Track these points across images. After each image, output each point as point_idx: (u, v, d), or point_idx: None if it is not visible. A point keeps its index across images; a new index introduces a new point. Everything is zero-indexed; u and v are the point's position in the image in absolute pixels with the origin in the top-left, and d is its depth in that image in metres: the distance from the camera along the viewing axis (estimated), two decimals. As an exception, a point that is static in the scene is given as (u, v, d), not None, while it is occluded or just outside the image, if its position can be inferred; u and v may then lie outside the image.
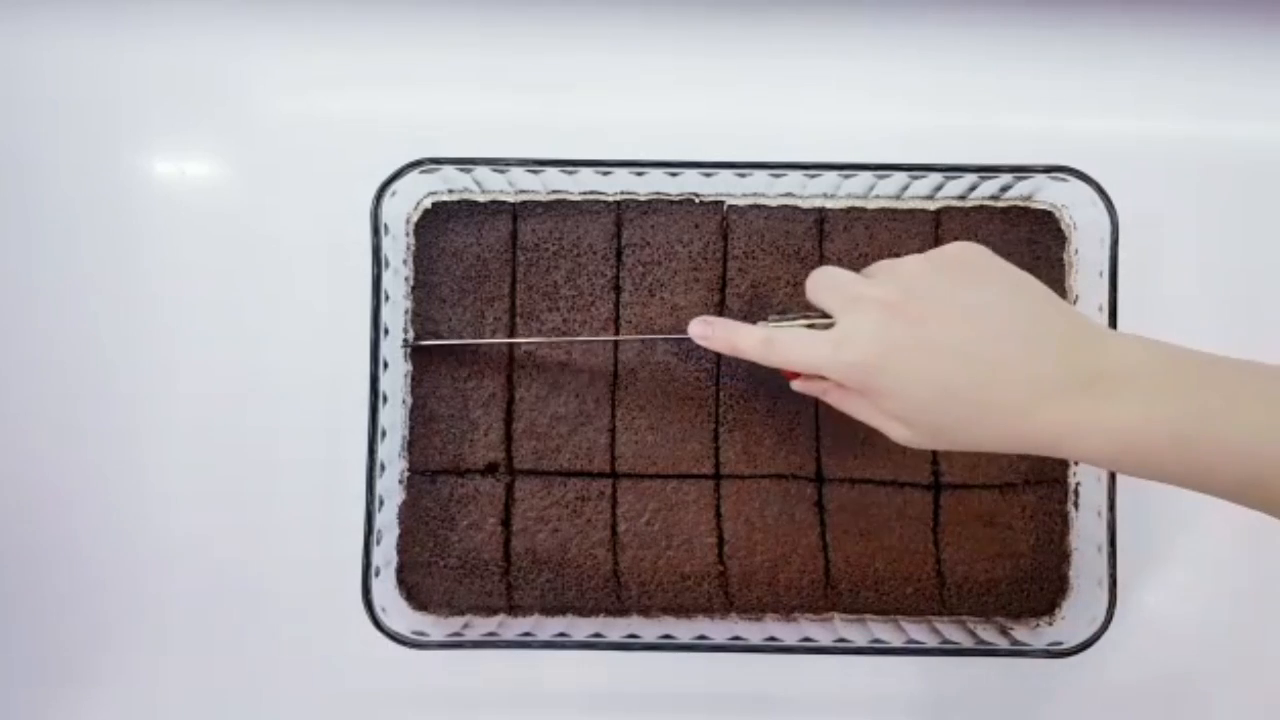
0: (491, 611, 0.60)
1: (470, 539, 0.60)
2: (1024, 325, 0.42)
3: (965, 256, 0.44)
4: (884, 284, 0.44)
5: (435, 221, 0.61)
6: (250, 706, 0.64)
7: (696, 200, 0.61)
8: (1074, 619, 0.58)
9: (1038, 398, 0.40)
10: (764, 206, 0.61)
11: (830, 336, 0.44)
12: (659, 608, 0.60)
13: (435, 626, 0.60)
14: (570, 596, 0.59)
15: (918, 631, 0.59)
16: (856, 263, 0.60)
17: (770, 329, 0.47)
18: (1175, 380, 0.40)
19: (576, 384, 0.60)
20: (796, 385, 0.50)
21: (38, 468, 0.64)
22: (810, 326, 0.47)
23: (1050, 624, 0.60)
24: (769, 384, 0.60)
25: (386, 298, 0.58)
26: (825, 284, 0.46)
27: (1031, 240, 0.60)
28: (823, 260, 0.60)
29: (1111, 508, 0.56)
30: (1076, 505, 0.60)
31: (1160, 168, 0.64)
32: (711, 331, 0.49)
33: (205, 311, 0.64)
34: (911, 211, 0.61)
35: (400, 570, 0.60)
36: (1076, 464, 0.60)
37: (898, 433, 0.44)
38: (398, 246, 0.60)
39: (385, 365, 0.58)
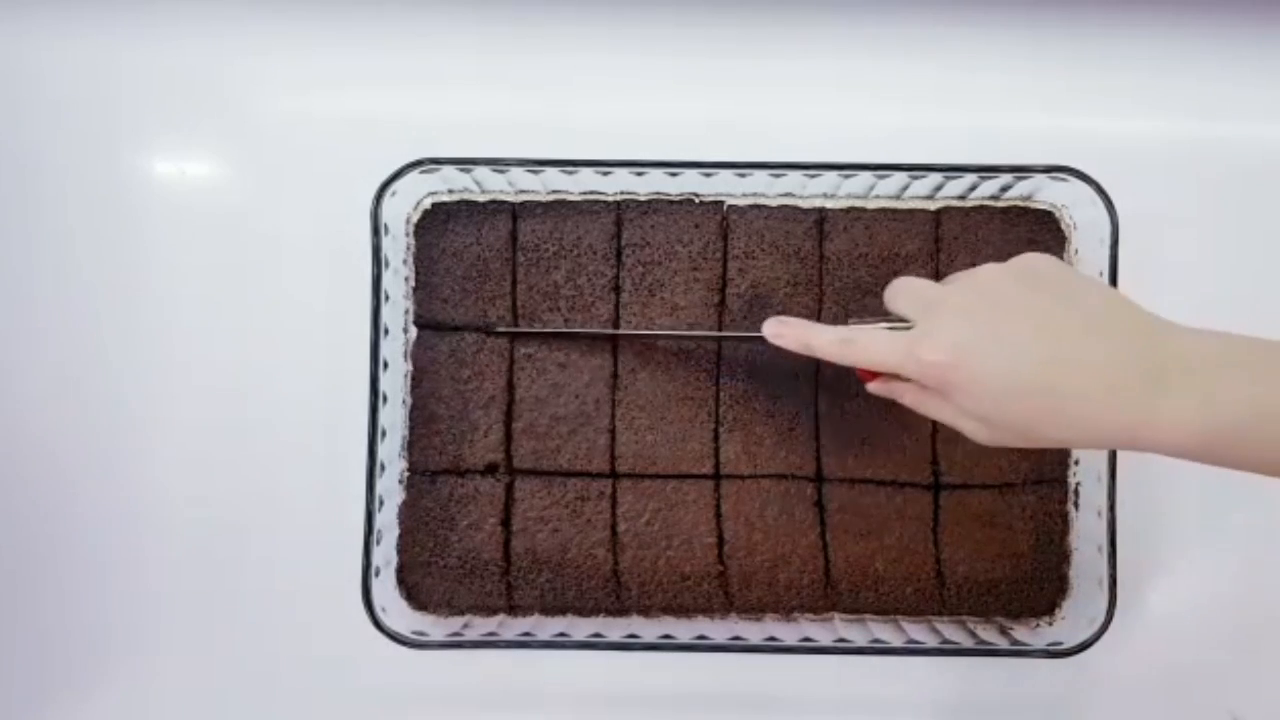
0: (491, 611, 0.60)
1: (470, 539, 0.60)
2: (1094, 323, 0.43)
3: (1036, 265, 0.46)
4: (960, 289, 0.46)
5: (435, 221, 0.61)
6: (250, 706, 0.64)
7: (696, 200, 0.61)
8: (1074, 619, 0.58)
9: (1111, 393, 0.41)
10: (764, 206, 0.61)
11: (909, 336, 0.45)
12: (659, 608, 0.60)
13: (435, 626, 0.60)
14: (570, 596, 0.59)
15: (918, 631, 0.59)
16: (856, 263, 0.60)
17: (848, 330, 0.48)
18: (1252, 369, 0.41)
19: (577, 385, 0.60)
20: (873, 387, 0.50)
21: (37, 468, 0.64)
22: (890, 330, 0.47)
23: (1050, 624, 0.60)
24: (769, 384, 0.60)
25: (386, 298, 0.58)
26: (904, 291, 0.48)
27: (1031, 240, 0.60)
28: (823, 260, 0.60)
29: (1111, 508, 0.56)
30: (1076, 505, 0.60)
31: (1160, 168, 0.64)
32: (786, 330, 0.50)
33: (205, 312, 0.64)
34: (911, 211, 0.61)
35: (400, 570, 0.60)
36: (1077, 463, 0.60)
37: (977, 431, 0.45)
38: (398, 246, 0.60)
39: (385, 365, 0.58)
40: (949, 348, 0.44)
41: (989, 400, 0.43)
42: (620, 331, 0.60)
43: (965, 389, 0.44)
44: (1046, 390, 0.42)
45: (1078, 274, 0.46)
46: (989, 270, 0.47)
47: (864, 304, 0.60)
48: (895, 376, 0.47)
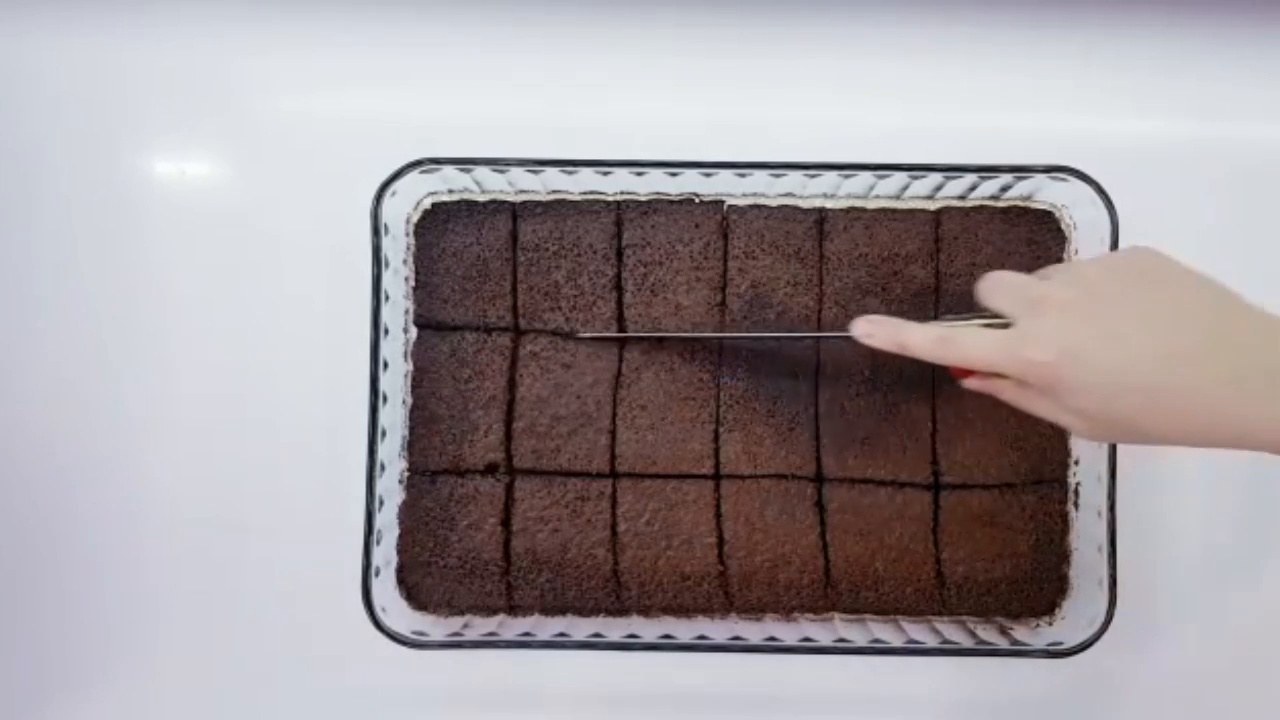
0: (491, 611, 0.60)
1: (470, 539, 0.60)
2: (1205, 320, 0.42)
3: (1142, 258, 0.45)
4: (1064, 285, 0.45)
5: (435, 221, 0.61)
6: (250, 706, 0.64)
7: (696, 200, 0.61)
8: (1074, 619, 0.58)
9: (1228, 392, 0.41)
10: (764, 206, 0.61)
11: (1013, 335, 0.45)
12: (659, 608, 0.60)
13: (435, 626, 0.60)
14: (570, 596, 0.59)
15: (918, 631, 0.59)
16: (856, 262, 0.60)
17: (945, 328, 0.48)
18: None
19: (577, 385, 0.60)
20: (970, 383, 0.50)
21: (37, 468, 0.64)
22: (986, 327, 0.47)
23: (1050, 624, 0.60)
24: (769, 384, 0.60)
25: (386, 298, 0.58)
26: (1003, 287, 0.47)
27: (1031, 240, 0.60)
28: (823, 260, 0.60)
29: (1111, 508, 0.56)
30: (1076, 505, 0.60)
31: (1160, 168, 0.64)
32: (877, 330, 0.49)
33: (205, 312, 0.64)
34: (911, 211, 0.61)
35: (400, 570, 0.60)
36: (1077, 463, 0.60)
37: (1079, 428, 0.45)
38: (398, 246, 0.60)
39: (385, 365, 0.58)
40: (1057, 347, 0.43)
41: (1097, 399, 0.43)
42: (721, 335, 0.60)
43: (1072, 387, 0.43)
44: (1158, 389, 0.42)
45: (1183, 267, 0.45)
46: (1093, 265, 0.46)
47: (864, 304, 0.60)
48: (993, 373, 0.47)
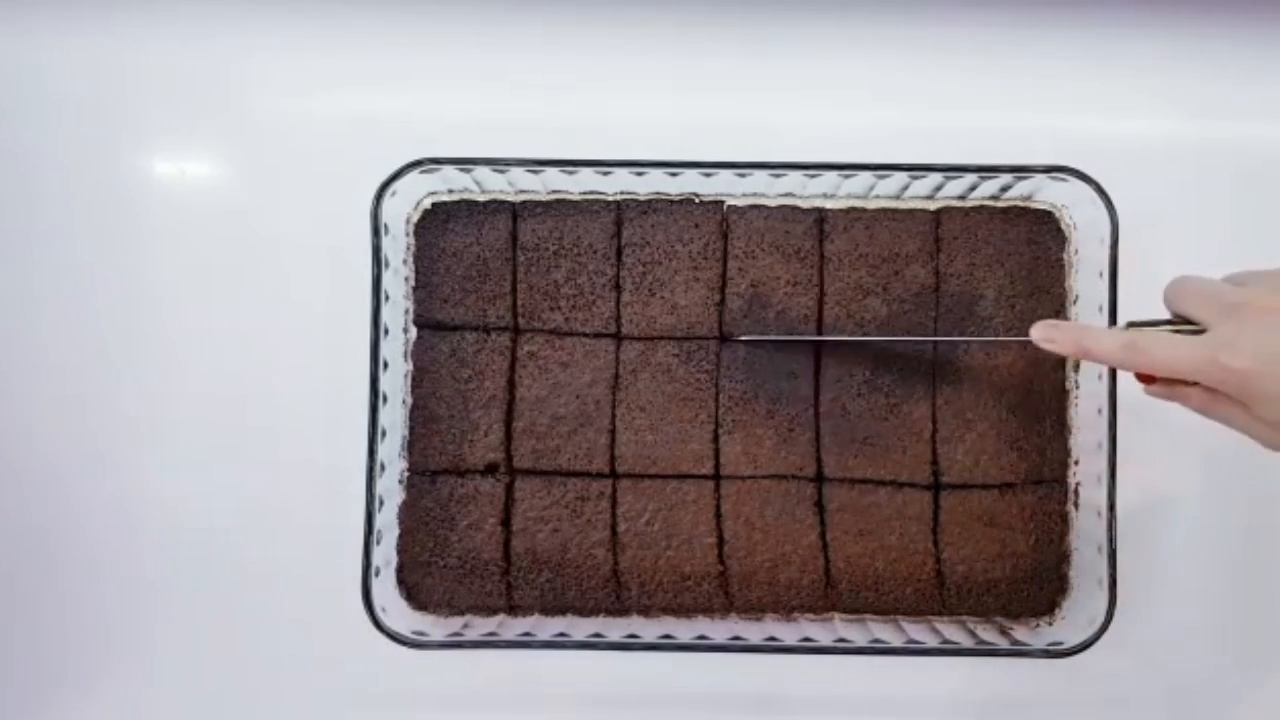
0: (491, 611, 0.60)
1: (470, 539, 0.60)
2: None
3: None
4: (1266, 292, 0.44)
5: (435, 221, 0.61)
6: (250, 706, 0.64)
7: (696, 200, 0.61)
8: (1074, 619, 0.58)
9: None
10: (764, 206, 0.61)
11: (1208, 342, 0.44)
12: (659, 608, 0.60)
13: (435, 626, 0.60)
14: (570, 596, 0.59)
15: (918, 631, 0.59)
16: (857, 262, 0.60)
17: (1133, 333, 0.47)
18: None
19: (577, 384, 0.60)
20: (1154, 390, 0.49)
21: (38, 468, 0.64)
22: (1175, 333, 0.46)
23: (1050, 624, 0.60)
24: (769, 385, 0.60)
25: (386, 298, 0.58)
26: (1196, 292, 0.46)
27: (1031, 240, 0.60)
28: (823, 260, 0.60)
29: (1111, 508, 0.56)
30: (1076, 505, 0.60)
31: (1160, 168, 0.64)
32: (1058, 335, 0.48)
33: (205, 312, 0.64)
34: (911, 211, 0.61)
35: (400, 570, 0.60)
36: (1076, 464, 0.60)
37: (1271, 440, 0.44)
38: (398, 246, 0.60)
39: (385, 365, 0.58)
40: (1258, 355, 0.42)
41: None
42: (834, 338, 0.60)
43: (1270, 397, 0.42)
44: None
45: None
46: None
47: (864, 304, 0.60)
48: (1179, 380, 0.46)
